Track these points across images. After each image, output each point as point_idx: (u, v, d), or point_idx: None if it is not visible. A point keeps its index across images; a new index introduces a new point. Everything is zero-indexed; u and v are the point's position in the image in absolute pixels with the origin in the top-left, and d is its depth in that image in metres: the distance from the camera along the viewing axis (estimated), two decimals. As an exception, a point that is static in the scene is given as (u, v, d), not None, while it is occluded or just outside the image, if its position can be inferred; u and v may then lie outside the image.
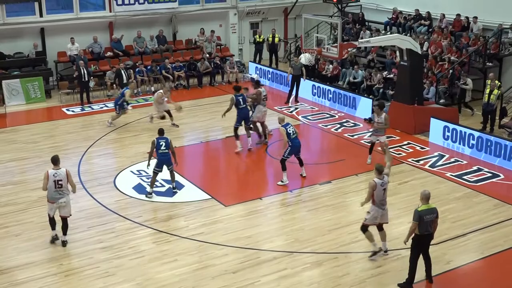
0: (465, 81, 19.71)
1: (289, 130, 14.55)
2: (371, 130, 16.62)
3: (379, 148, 15.63)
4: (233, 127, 16.91)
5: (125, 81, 21.76)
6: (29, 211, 13.52)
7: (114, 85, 22.34)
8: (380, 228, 11.34)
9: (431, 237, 10.36)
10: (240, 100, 16.79)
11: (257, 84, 17.97)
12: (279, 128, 14.97)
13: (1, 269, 11.07)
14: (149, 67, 23.37)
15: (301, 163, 15.01)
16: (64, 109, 21.30)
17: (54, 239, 12.03)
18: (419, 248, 10.32)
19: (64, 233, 11.98)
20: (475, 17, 22.30)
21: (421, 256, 10.39)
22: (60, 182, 11.61)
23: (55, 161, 11.77)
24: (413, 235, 10.19)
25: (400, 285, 10.49)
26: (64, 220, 11.92)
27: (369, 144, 16.02)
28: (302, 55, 21.94)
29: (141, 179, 15.19)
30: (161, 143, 14.00)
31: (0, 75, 21.91)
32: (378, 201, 11.07)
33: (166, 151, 14.00)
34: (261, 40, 26.20)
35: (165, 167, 14.15)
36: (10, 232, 12.57)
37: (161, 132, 14.29)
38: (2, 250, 11.84)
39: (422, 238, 10.20)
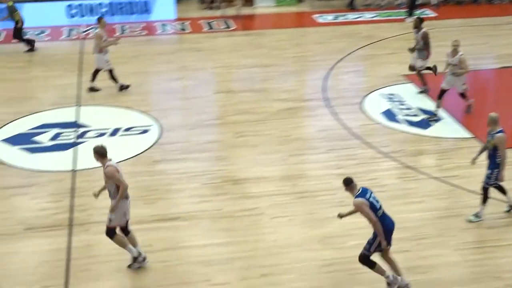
0: None
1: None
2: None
3: None
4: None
5: None
6: (267, 123, 14.62)
7: None
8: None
9: None
10: None
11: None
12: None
13: (235, 179, 12.34)
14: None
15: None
16: (315, 16, 22.04)
17: None
18: None
19: None
20: None
21: None
22: None
23: None
24: None
25: None
26: None
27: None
28: None
29: (392, 104, 15.39)
30: None
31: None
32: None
33: None
34: None
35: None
36: (248, 142, 13.80)
37: None
38: (240, 159, 13.10)
39: None
